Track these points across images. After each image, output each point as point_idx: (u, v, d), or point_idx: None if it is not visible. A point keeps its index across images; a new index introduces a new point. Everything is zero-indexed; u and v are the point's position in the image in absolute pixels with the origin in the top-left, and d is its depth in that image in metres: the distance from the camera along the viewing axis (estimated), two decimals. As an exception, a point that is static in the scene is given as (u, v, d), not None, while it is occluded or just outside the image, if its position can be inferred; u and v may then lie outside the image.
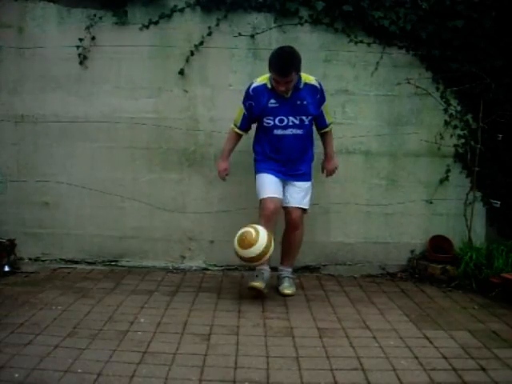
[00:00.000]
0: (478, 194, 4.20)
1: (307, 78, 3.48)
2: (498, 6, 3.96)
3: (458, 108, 4.15)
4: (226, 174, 3.70)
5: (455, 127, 4.16)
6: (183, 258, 4.23)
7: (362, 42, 4.06)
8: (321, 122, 3.65)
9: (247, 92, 3.52)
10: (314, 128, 3.67)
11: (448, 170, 4.18)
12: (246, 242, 3.26)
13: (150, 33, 4.07)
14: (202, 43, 4.05)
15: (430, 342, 2.80)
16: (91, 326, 2.90)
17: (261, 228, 3.31)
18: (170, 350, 2.61)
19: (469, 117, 4.15)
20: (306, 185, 3.61)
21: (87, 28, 4.03)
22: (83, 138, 4.13)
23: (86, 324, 2.93)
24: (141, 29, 4.05)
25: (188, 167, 4.17)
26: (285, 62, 3.31)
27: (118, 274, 3.99)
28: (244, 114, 3.55)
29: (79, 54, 4.06)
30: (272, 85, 3.42)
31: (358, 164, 4.19)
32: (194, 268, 4.20)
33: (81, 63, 4.09)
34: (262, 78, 3.50)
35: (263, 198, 3.49)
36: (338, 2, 3.95)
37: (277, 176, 3.54)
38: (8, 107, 4.13)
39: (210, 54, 4.07)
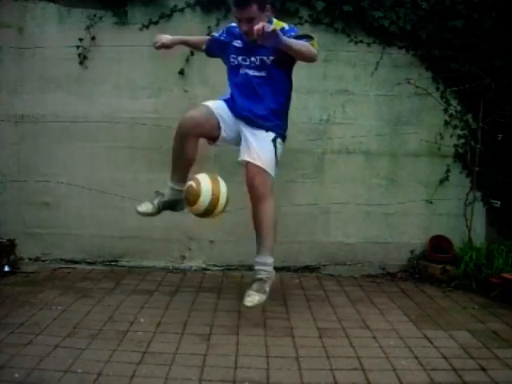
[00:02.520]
0: (478, 194, 4.20)
1: (278, 23, 3.03)
2: (498, 6, 3.96)
3: (458, 108, 4.15)
4: (161, 46, 3.28)
5: (455, 127, 4.16)
6: (183, 258, 4.22)
7: (361, 42, 4.06)
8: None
9: (223, 29, 3.30)
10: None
11: (448, 170, 4.18)
12: (191, 198, 2.90)
13: (150, 33, 4.06)
14: (202, 43, 4.05)
15: (430, 342, 2.80)
16: (91, 325, 2.90)
17: (200, 175, 2.96)
18: (169, 350, 2.61)
19: (469, 117, 4.15)
20: (264, 134, 3.11)
21: (87, 28, 4.03)
22: (83, 138, 4.13)
23: (86, 324, 2.93)
24: (141, 29, 4.05)
25: (188, 167, 4.16)
26: None
27: (117, 274, 3.99)
28: (214, 36, 3.32)
29: (79, 54, 4.06)
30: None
31: (357, 164, 4.19)
32: (194, 268, 4.20)
33: (81, 63, 4.09)
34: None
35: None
36: (338, 2, 3.95)
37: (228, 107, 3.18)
38: (8, 107, 4.13)
39: (210, 53, 4.07)
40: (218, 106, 3.18)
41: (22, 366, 2.35)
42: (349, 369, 2.46)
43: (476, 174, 4.12)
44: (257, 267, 3.04)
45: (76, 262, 4.18)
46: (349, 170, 4.17)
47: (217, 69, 4.10)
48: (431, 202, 4.21)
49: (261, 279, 3.00)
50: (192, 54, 4.06)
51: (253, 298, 2.90)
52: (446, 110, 4.15)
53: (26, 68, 4.10)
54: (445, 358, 2.60)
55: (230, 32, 3.21)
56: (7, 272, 3.88)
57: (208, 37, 3.42)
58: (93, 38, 4.06)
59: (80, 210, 4.18)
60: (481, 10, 3.94)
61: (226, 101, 3.22)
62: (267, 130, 3.11)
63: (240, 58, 3.11)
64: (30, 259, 4.18)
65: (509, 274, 3.62)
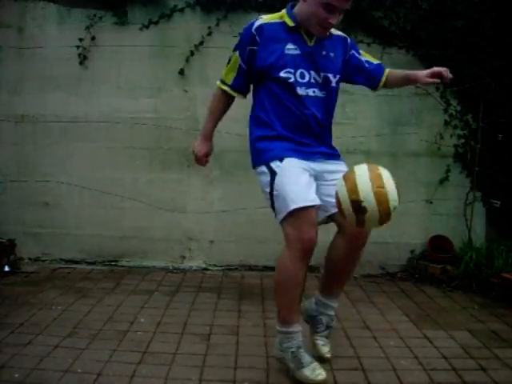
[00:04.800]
0: (478, 194, 4.20)
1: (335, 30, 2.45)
2: (498, 6, 3.96)
3: (458, 108, 4.16)
4: (207, 161, 2.58)
5: (455, 127, 4.17)
6: (183, 258, 4.23)
7: (361, 41, 4.06)
8: (376, 71, 2.50)
9: (247, 32, 2.32)
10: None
11: (448, 170, 4.18)
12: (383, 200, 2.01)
13: (150, 33, 4.07)
14: (202, 43, 4.05)
15: (430, 342, 2.80)
16: (91, 325, 2.90)
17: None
18: (169, 350, 2.60)
19: (469, 117, 4.16)
20: (342, 163, 2.45)
21: (87, 28, 4.04)
22: (83, 137, 4.13)
23: (86, 324, 2.93)
24: (141, 29, 4.06)
25: (188, 167, 4.16)
26: None
27: (117, 274, 3.99)
28: (239, 65, 2.34)
29: (79, 54, 4.06)
30: (297, 21, 2.28)
31: (357, 164, 4.18)
32: (194, 268, 4.20)
33: (81, 63, 4.09)
34: (273, 16, 2.37)
35: (295, 211, 2.15)
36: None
37: (304, 162, 2.27)
38: (8, 107, 4.13)
39: (209, 53, 4.07)
40: (312, 190, 2.24)
41: (21, 366, 2.35)
42: (349, 369, 2.46)
43: (476, 173, 4.12)
44: (327, 311, 2.48)
45: (76, 262, 4.18)
46: (349, 170, 4.16)
47: (217, 69, 4.10)
48: (431, 202, 4.21)
49: (331, 327, 2.53)
50: (192, 53, 4.06)
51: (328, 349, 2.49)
52: (446, 110, 4.15)
53: (26, 68, 4.10)
54: (445, 357, 2.60)
55: (265, 33, 2.30)
56: (7, 272, 3.88)
57: (227, 88, 2.40)
58: (93, 38, 4.06)
59: (80, 210, 4.18)
60: (481, 10, 3.94)
61: (287, 149, 2.27)
62: (339, 157, 2.47)
63: (298, 73, 2.28)
64: (30, 259, 4.18)
65: (509, 274, 3.61)
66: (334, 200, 2.13)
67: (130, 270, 4.10)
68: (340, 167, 2.39)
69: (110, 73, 4.11)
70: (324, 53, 2.33)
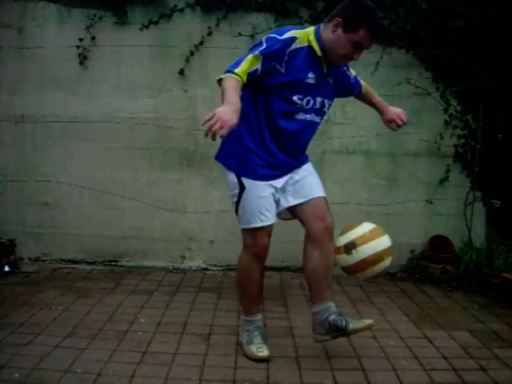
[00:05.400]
0: (478, 194, 4.20)
1: None
2: (498, 6, 3.96)
3: (458, 108, 4.16)
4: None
5: (455, 127, 4.17)
6: (183, 258, 4.23)
7: (361, 41, 4.06)
8: (356, 86, 2.72)
9: (282, 47, 2.25)
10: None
11: (448, 170, 4.18)
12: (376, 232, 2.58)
13: (150, 33, 4.07)
14: (202, 43, 4.05)
15: (430, 342, 2.80)
16: (91, 325, 2.90)
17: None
18: (169, 350, 2.61)
19: (469, 117, 4.16)
20: (309, 165, 2.60)
21: (87, 28, 4.04)
22: (83, 137, 4.13)
23: (86, 324, 2.93)
24: (141, 29, 4.06)
25: (188, 167, 4.17)
26: (381, 21, 2.37)
27: (117, 274, 3.99)
28: (257, 68, 2.24)
29: (79, 54, 4.06)
30: (323, 50, 2.31)
31: (358, 164, 4.19)
32: (194, 268, 4.20)
33: (81, 63, 4.09)
34: (302, 36, 2.31)
35: (256, 229, 2.45)
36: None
37: (275, 181, 2.46)
38: (8, 107, 4.13)
39: (209, 53, 4.07)
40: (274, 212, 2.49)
41: (21, 366, 2.35)
42: (349, 369, 2.46)
43: (476, 173, 4.12)
44: (335, 317, 2.44)
45: (76, 262, 4.18)
46: (349, 170, 4.17)
47: (217, 69, 4.10)
48: (431, 202, 4.21)
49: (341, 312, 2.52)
50: (192, 53, 4.06)
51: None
52: (446, 110, 4.14)
53: (26, 68, 4.10)
54: (445, 357, 2.60)
55: (295, 58, 2.28)
56: (7, 272, 3.88)
57: (237, 77, 2.21)
58: (93, 38, 4.06)
59: (80, 210, 4.18)
60: (481, 10, 3.94)
61: (265, 174, 2.42)
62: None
63: (305, 101, 2.36)
64: (30, 259, 4.18)
65: (509, 274, 3.61)
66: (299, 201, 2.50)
67: (130, 270, 4.10)
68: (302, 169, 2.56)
69: (110, 73, 4.11)
70: (330, 81, 2.45)
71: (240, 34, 4.03)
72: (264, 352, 2.50)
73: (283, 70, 2.27)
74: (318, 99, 2.39)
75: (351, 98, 4.09)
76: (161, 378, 2.31)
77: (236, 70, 2.21)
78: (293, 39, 2.27)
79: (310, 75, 2.32)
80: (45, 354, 2.49)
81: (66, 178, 4.16)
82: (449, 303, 3.52)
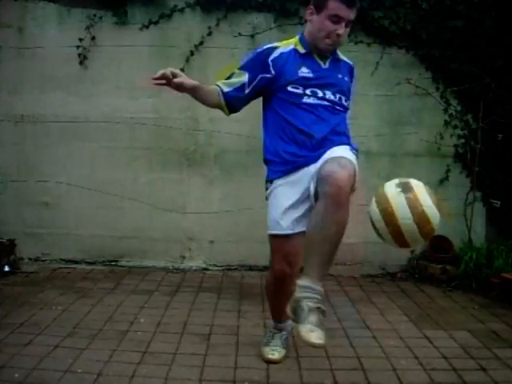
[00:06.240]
0: (478, 194, 4.20)
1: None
2: (498, 6, 3.96)
3: (458, 108, 4.15)
4: (177, 86, 2.52)
5: (455, 127, 4.17)
6: (183, 258, 4.22)
7: (361, 42, 4.06)
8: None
9: (261, 59, 2.32)
10: None
11: (448, 170, 4.18)
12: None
13: (150, 33, 4.07)
14: (201, 43, 4.05)
15: (430, 342, 2.80)
16: (91, 325, 2.90)
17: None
18: (170, 349, 2.61)
19: (469, 117, 4.16)
20: (345, 147, 2.37)
21: (87, 28, 4.03)
22: (83, 137, 4.13)
23: (86, 324, 2.93)
24: (141, 29, 4.05)
25: (188, 167, 4.16)
26: None
27: (117, 274, 3.99)
28: (243, 82, 2.33)
29: (79, 54, 4.06)
30: (308, 47, 2.33)
31: (358, 164, 4.18)
32: (194, 268, 4.19)
33: (81, 63, 4.09)
34: (288, 42, 2.39)
35: (271, 235, 2.34)
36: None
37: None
38: (8, 107, 4.13)
39: (209, 53, 4.07)
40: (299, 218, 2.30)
41: (21, 366, 2.35)
42: (349, 369, 2.46)
43: (476, 173, 4.12)
44: (307, 293, 2.02)
45: (76, 262, 4.18)
46: (349, 170, 4.16)
47: (217, 69, 4.10)
48: (431, 202, 4.21)
49: (319, 308, 2.04)
50: (192, 53, 4.06)
51: (320, 335, 1.98)
52: (446, 110, 4.14)
53: (26, 68, 4.10)
54: (445, 357, 2.60)
55: (279, 61, 2.31)
56: (7, 272, 3.88)
57: (219, 97, 2.42)
58: (93, 38, 4.06)
59: (80, 210, 4.18)
60: (481, 10, 3.94)
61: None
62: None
63: (308, 91, 2.30)
64: (30, 259, 4.18)
65: (509, 274, 3.62)
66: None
67: (130, 270, 4.10)
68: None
69: (110, 73, 4.11)
70: (340, 76, 2.38)
71: (240, 34, 4.03)
72: (275, 355, 2.51)
73: (274, 74, 2.29)
74: (331, 92, 2.32)
75: (351, 98, 4.11)
76: (161, 378, 2.31)
77: (219, 83, 2.40)
78: (270, 49, 2.33)
79: (304, 69, 2.30)
80: (45, 353, 2.50)
81: (66, 178, 4.16)
82: (449, 303, 3.52)
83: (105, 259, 4.20)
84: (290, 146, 2.31)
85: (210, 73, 4.07)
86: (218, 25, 4.03)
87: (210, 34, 4.04)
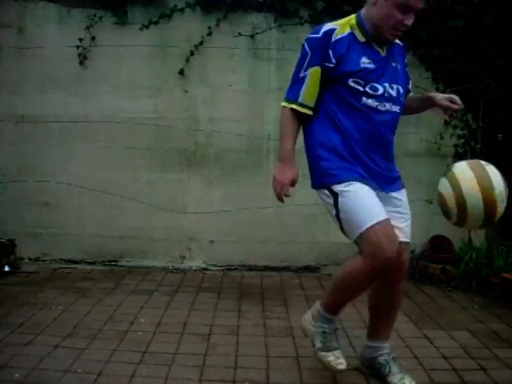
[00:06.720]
0: (478, 194, 4.19)
1: None
2: (498, 6, 3.96)
3: (458, 108, 4.15)
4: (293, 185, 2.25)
5: (455, 127, 4.16)
6: (183, 258, 4.22)
7: (361, 41, 4.05)
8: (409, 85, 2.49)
9: (322, 44, 2.08)
10: None
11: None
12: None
13: (150, 33, 4.07)
14: (201, 43, 4.05)
15: (430, 342, 2.80)
16: (91, 325, 2.90)
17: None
18: (170, 350, 2.60)
19: (469, 117, 4.15)
20: (405, 196, 2.43)
21: (87, 28, 4.04)
22: (83, 137, 4.13)
23: (86, 324, 2.93)
24: (141, 29, 4.05)
25: (188, 167, 4.16)
26: None
27: (117, 274, 3.99)
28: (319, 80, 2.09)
29: (79, 54, 4.06)
30: (369, 32, 2.11)
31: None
32: (194, 268, 4.19)
33: (81, 63, 4.09)
34: (343, 26, 2.15)
35: (371, 227, 2.08)
36: (338, 2, 3.95)
37: (371, 186, 2.17)
38: (8, 107, 4.13)
39: (209, 53, 4.07)
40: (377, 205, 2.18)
41: (21, 366, 2.35)
42: (349, 369, 2.45)
43: (476, 173, 4.11)
44: (384, 354, 2.34)
45: (76, 262, 4.18)
46: (349, 170, 4.16)
47: (217, 69, 4.12)
48: (431, 202, 4.20)
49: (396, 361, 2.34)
50: (192, 53, 4.06)
51: (410, 378, 2.25)
52: (446, 110, 4.13)
53: (26, 68, 4.10)
54: (445, 358, 2.60)
55: (340, 49, 2.08)
56: (7, 272, 3.88)
57: (299, 107, 2.14)
58: (93, 38, 4.06)
59: (80, 209, 4.18)
60: (481, 10, 3.94)
61: (354, 171, 2.14)
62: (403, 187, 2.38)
63: (368, 88, 2.09)
64: (30, 259, 4.18)
65: (509, 274, 3.61)
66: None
67: (130, 270, 4.10)
68: (402, 196, 2.42)
69: (110, 73, 4.11)
70: (394, 64, 2.19)
71: (240, 34, 4.03)
72: (343, 364, 2.18)
73: (334, 63, 2.06)
74: (390, 86, 2.13)
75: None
76: (161, 378, 2.31)
77: (300, 100, 2.11)
78: (331, 30, 2.09)
79: (365, 60, 2.08)
80: (45, 353, 2.49)
81: (66, 178, 4.16)
82: (449, 303, 3.52)
83: (105, 259, 4.20)
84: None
85: (209, 73, 4.08)
86: (218, 25, 4.03)
87: (210, 33, 4.04)
